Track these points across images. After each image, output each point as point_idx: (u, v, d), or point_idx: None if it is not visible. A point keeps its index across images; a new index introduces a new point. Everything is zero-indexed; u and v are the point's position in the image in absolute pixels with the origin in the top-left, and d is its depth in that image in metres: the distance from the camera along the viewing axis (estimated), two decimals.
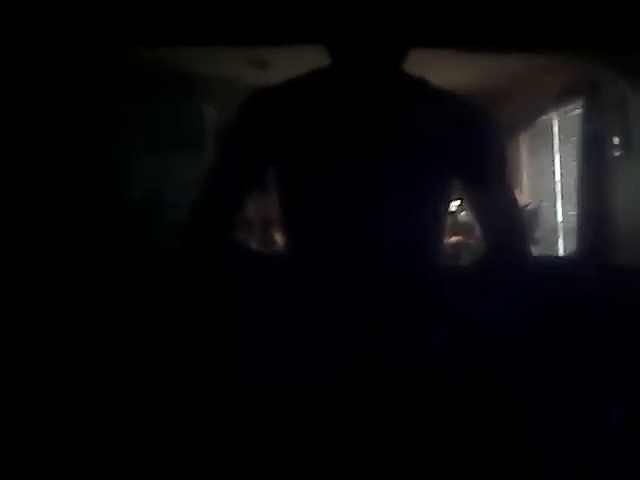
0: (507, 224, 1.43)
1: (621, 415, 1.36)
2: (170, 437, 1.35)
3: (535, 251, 5.18)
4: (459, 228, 4.61)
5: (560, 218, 5.24)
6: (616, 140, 4.17)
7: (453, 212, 4.47)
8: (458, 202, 4.49)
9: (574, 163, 4.63)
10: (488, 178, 1.41)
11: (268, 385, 1.29)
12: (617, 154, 4.18)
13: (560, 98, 4.83)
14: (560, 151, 5.19)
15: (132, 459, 1.36)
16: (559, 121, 5.17)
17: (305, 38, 1.31)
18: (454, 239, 4.51)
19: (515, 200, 1.46)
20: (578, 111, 4.61)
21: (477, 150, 1.37)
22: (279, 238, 3.86)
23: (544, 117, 5.27)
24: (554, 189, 5.31)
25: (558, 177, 5.25)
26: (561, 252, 5.23)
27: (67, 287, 1.68)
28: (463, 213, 4.45)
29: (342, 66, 1.33)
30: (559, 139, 5.21)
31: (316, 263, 1.36)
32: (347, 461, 1.26)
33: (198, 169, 1.49)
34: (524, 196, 5.77)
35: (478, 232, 1.51)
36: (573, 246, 4.67)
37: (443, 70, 1.88)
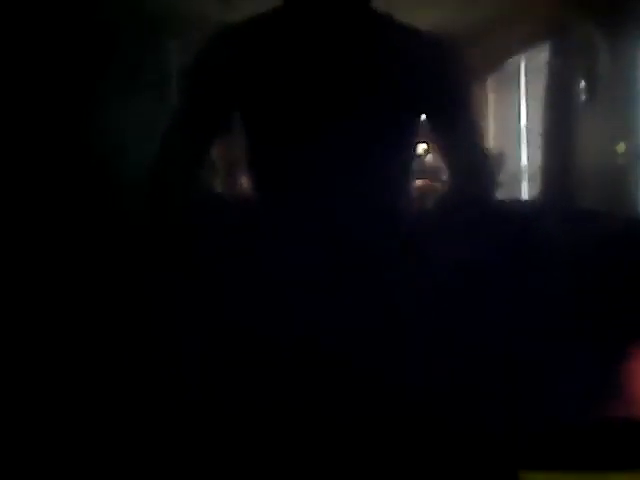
0: (473, 164, 1.42)
1: (590, 355, 1.40)
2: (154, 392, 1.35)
3: (500, 195, 5.21)
4: (426, 171, 4.62)
5: (525, 162, 5.28)
6: (582, 84, 4.18)
7: (420, 155, 4.47)
8: (424, 145, 4.49)
9: (541, 106, 4.63)
10: (453, 116, 1.40)
11: (248, 338, 1.29)
12: (583, 98, 4.19)
13: (527, 40, 4.80)
14: (526, 94, 5.19)
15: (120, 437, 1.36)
16: (526, 64, 5.16)
17: None
18: (420, 182, 4.52)
19: (481, 140, 1.46)
20: (545, 54, 4.60)
21: (444, 88, 1.36)
22: (245, 180, 3.83)
23: (511, 59, 5.25)
24: (519, 133, 5.32)
25: (524, 120, 5.27)
26: (525, 195, 5.28)
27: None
28: (429, 156, 4.46)
29: (309, 2, 1.30)
30: (526, 82, 5.20)
31: (284, 205, 1.35)
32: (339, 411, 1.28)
33: (161, 108, 1.46)
34: (490, 140, 5.78)
35: (444, 175, 1.51)
36: (537, 190, 4.71)
37: (410, 8, 1.85)
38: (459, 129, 1.39)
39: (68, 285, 1.52)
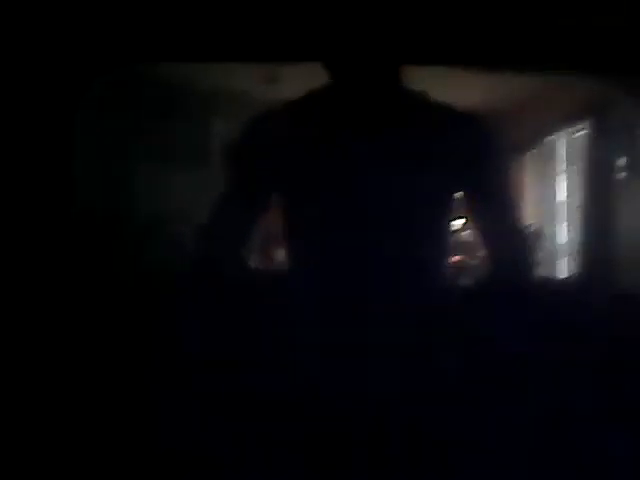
0: (511, 243, 1.41)
1: (624, 441, 1.35)
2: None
3: (537, 273, 5.16)
4: (462, 247, 4.59)
5: (563, 240, 5.23)
6: (622, 162, 4.16)
7: (456, 231, 4.47)
8: (462, 220, 4.48)
9: (580, 184, 4.62)
10: (491, 195, 1.40)
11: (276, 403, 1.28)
12: (623, 176, 4.17)
13: (566, 119, 4.83)
14: (565, 172, 5.19)
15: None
16: (565, 142, 5.17)
17: (310, 55, 1.31)
18: (457, 258, 4.50)
19: (519, 219, 1.46)
20: (584, 132, 4.61)
21: (481, 166, 1.36)
22: (279, 256, 3.85)
23: (550, 137, 5.27)
24: (558, 210, 5.29)
25: (563, 198, 5.24)
26: (563, 275, 5.21)
27: (69, 306, 1.67)
28: (467, 232, 4.44)
29: (343, 83, 1.33)
30: (565, 160, 5.20)
31: (318, 282, 1.35)
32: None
33: (205, 185, 1.49)
34: (527, 217, 5.75)
35: (481, 252, 1.51)
36: (575, 269, 4.65)
37: (447, 89, 1.88)
38: (495, 208, 1.39)
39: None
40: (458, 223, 4.26)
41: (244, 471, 1.27)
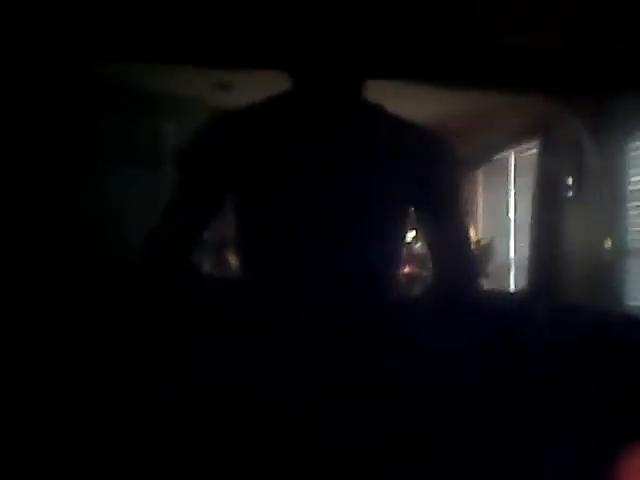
0: (457, 257, 1.44)
1: (565, 452, 1.38)
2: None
3: (487, 285, 5.25)
4: (414, 259, 4.64)
5: (512, 254, 5.33)
6: (569, 180, 4.26)
7: (409, 243, 4.51)
8: (414, 233, 4.54)
9: (528, 200, 4.71)
10: (441, 209, 1.42)
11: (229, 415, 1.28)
12: (570, 194, 4.26)
13: (517, 136, 4.93)
14: (515, 188, 5.29)
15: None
16: (515, 159, 5.27)
17: (267, 63, 1.32)
18: (408, 269, 4.54)
19: (467, 233, 1.48)
20: (534, 150, 4.71)
21: (432, 181, 1.38)
22: (233, 260, 3.83)
23: (501, 154, 5.37)
24: (508, 225, 5.39)
25: (512, 214, 5.35)
26: (512, 287, 5.30)
27: (20, 311, 1.64)
28: (418, 244, 4.49)
29: (302, 92, 1.33)
30: (514, 176, 5.31)
31: (271, 288, 1.35)
32: None
33: (157, 187, 1.48)
34: (478, 231, 5.85)
35: (429, 264, 1.52)
36: (524, 282, 4.74)
37: (402, 103, 1.90)
38: (445, 222, 1.41)
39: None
40: (410, 235, 4.31)
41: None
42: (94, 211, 4.10)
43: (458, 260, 1.43)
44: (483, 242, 5.54)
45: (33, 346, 1.52)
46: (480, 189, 5.89)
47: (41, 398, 1.47)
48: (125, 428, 1.37)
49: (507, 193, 5.37)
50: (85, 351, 1.45)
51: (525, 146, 4.96)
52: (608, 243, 3.86)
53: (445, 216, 1.41)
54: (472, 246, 1.51)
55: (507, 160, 5.35)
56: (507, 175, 5.37)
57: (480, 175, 5.84)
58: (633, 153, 3.82)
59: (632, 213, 3.81)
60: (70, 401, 1.45)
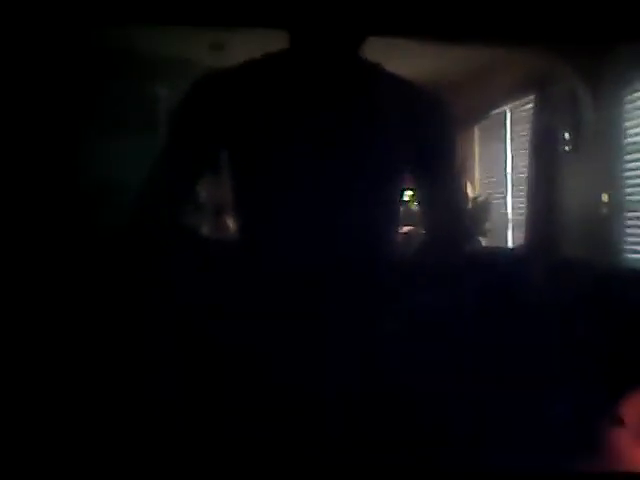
0: (450, 216, 1.44)
1: (566, 409, 1.39)
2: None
3: (485, 242, 5.27)
4: (412, 218, 4.64)
5: (510, 210, 5.33)
6: (566, 135, 4.24)
7: (406, 202, 4.50)
8: (411, 192, 4.52)
9: (525, 156, 4.70)
10: (437, 168, 1.41)
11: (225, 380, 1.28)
12: (567, 149, 4.25)
13: (513, 91, 4.89)
14: (512, 144, 5.27)
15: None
16: (512, 114, 5.24)
17: (262, 21, 1.30)
18: (406, 229, 4.54)
19: (462, 193, 1.49)
20: (530, 105, 4.68)
21: (429, 139, 1.38)
22: (231, 224, 3.83)
23: (497, 110, 5.33)
24: (505, 181, 5.38)
25: (509, 169, 5.33)
26: (510, 244, 5.32)
27: (17, 273, 1.64)
28: (416, 203, 4.48)
29: (299, 50, 1.32)
30: (511, 132, 5.28)
31: (268, 250, 1.35)
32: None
33: (151, 151, 1.47)
34: (475, 188, 5.84)
35: (428, 221, 1.52)
36: (522, 238, 4.75)
37: (398, 59, 1.89)
38: (439, 182, 1.41)
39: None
40: (407, 194, 4.30)
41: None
42: (90, 177, 4.09)
43: (452, 218, 1.43)
44: (480, 199, 5.53)
45: (34, 318, 1.53)
46: (476, 146, 5.86)
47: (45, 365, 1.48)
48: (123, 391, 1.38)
49: (504, 149, 5.35)
50: (82, 322, 1.45)
51: (521, 101, 4.92)
52: (606, 197, 3.86)
53: (440, 174, 1.40)
54: (466, 205, 1.51)
55: (503, 116, 5.32)
56: (504, 131, 5.34)
57: (476, 131, 5.81)
58: (630, 105, 3.79)
59: (629, 166, 3.81)
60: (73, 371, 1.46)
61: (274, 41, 1.35)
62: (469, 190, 5.61)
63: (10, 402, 1.37)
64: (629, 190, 3.82)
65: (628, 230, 3.85)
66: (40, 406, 1.36)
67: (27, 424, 1.36)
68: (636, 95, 3.74)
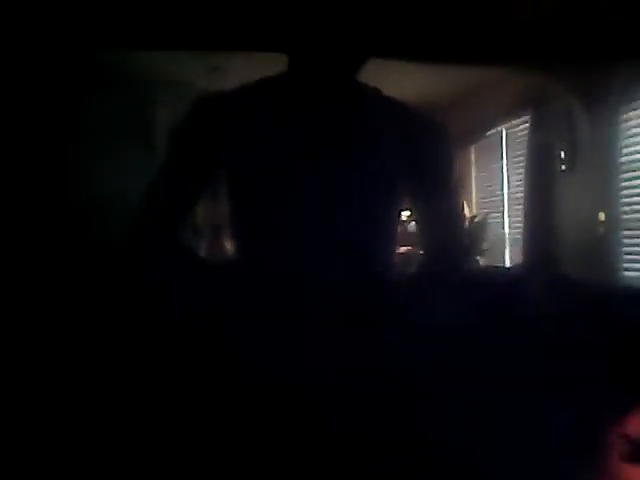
0: (448, 236, 1.45)
1: (569, 422, 1.39)
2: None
3: (482, 261, 5.26)
4: (409, 238, 4.64)
5: (507, 229, 5.34)
6: (562, 154, 4.26)
7: (403, 222, 4.51)
8: (408, 212, 4.53)
9: (522, 175, 4.71)
10: (434, 187, 1.43)
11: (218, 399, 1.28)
12: (563, 168, 4.26)
13: (509, 111, 4.92)
14: (508, 163, 5.29)
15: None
16: (508, 134, 5.27)
17: (262, 45, 1.31)
18: (404, 249, 4.55)
19: (459, 211, 1.49)
20: (526, 124, 4.70)
21: (426, 161, 1.39)
22: (229, 243, 3.84)
23: (493, 129, 5.36)
24: (502, 201, 5.40)
25: (506, 189, 5.35)
26: (508, 262, 5.32)
27: (12, 286, 1.64)
28: (413, 223, 4.49)
29: (298, 73, 1.33)
30: (507, 151, 5.30)
31: (266, 268, 1.36)
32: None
33: (149, 169, 1.48)
34: (472, 207, 5.85)
35: (424, 242, 1.53)
36: (519, 257, 4.75)
37: (395, 81, 1.90)
38: (436, 202, 1.42)
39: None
40: (404, 215, 4.30)
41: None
42: (88, 194, 4.09)
43: (449, 237, 1.44)
44: (477, 218, 5.54)
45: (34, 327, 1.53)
46: (473, 165, 5.88)
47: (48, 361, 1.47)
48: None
49: (500, 168, 5.37)
50: (82, 333, 1.45)
51: (517, 120, 4.95)
52: (602, 216, 3.87)
53: (438, 195, 1.42)
54: (464, 224, 1.52)
55: (499, 135, 5.34)
56: (500, 150, 5.36)
57: (473, 151, 5.83)
58: (625, 124, 3.82)
59: (625, 184, 3.82)
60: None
61: (272, 63, 1.36)
62: (466, 210, 5.63)
63: (9, 405, 1.36)
64: (626, 209, 3.83)
65: (625, 248, 3.86)
66: (45, 410, 1.36)
67: (30, 430, 1.36)
68: (631, 114, 3.77)
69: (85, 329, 1.48)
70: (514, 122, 5.03)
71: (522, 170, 4.74)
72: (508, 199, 5.31)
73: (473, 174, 5.87)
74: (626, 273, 3.84)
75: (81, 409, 1.38)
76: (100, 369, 1.41)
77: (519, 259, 4.77)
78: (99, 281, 1.56)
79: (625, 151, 3.84)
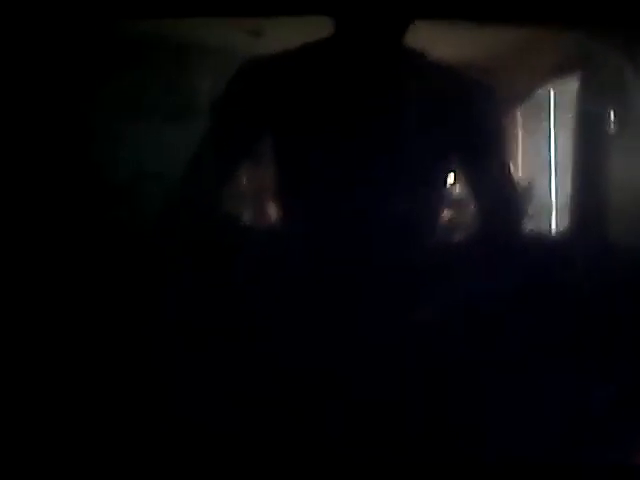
0: (502, 199, 1.43)
1: (605, 396, 1.37)
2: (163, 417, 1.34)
3: (529, 227, 5.19)
4: (454, 202, 4.60)
5: (555, 194, 5.24)
6: (612, 117, 4.15)
7: (449, 187, 4.46)
8: (452, 176, 4.48)
9: (571, 138, 4.61)
10: (485, 152, 1.41)
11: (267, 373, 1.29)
12: (613, 131, 4.16)
13: (557, 72, 4.80)
14: (557, 126, 5.17)
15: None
16: (556, 95, 5.14)
17: (305, 8, 1.30)
18: (448, 214, 4.51)
19: (511, 175, 1.47)
20: (575, 85, 4.58)
21: (474, 124, 1.38)
22: (273, 211, 3.85)
23: (541, 91, 5.24)
24: (550, 164, 5.29)
25: (554, 152, 5.24)
26: (555, 228, 5.24)
27: (50, 262, 1.66)
28: (458, 189, 4.44)
29: (343, 37, 1.32)
30: (556, 114, 5.18)
31: (311, 237, 1.36)
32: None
33: (192, 140, 1.48)
34: (519, 171, 5.76)
35: (472, 206, 1.51)
36: (568, 223, 4.67)
37: (440, 43, 1.87)
38: (488, 165, 1.40)
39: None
40: (449, 179, 4.25)
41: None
42: (127, 169, 4.13)
43: (502, 201, 1.42)
44: (525, 182, 5.46)
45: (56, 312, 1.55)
46: (520, 128, 5.77)
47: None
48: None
49: (548, 131, 5.26)
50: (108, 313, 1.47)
51: (565, 81, 4.83)
52: None
53: (488, 157, 1.40)
54: (516, 187, 1.51)
55: (547, 97, 5.22)
56: (547, 112, 5.24)
57: (519, 114, 5.72)
58: None
59: None
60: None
61: (314, 27, 1.34)
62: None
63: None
64: None
65: None
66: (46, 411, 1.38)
67: (30, 432, 1.38)
68: None
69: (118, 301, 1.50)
70: (562, 83, 4.90)
71: (571, 133, 4.64)
72: (555, 163, 5.21)
73: (520, 137, 5.76)
74: None
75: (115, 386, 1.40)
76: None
77: (567, 225, 4.69)
78: (142, 253, 1.57)
79: None
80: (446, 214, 4.99)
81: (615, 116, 4.37)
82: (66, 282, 1.59)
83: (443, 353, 1.33)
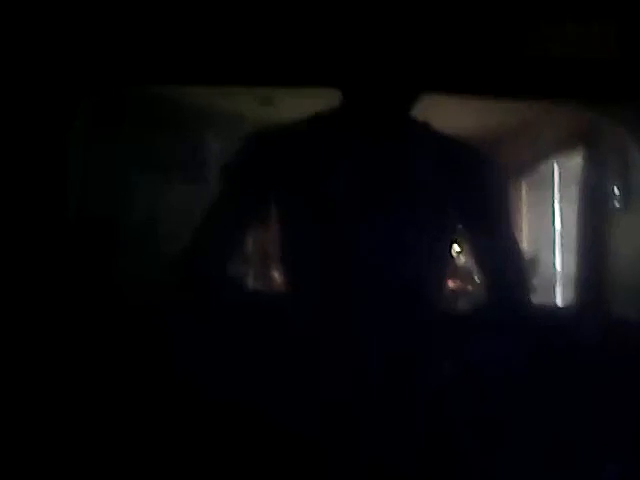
0: (508, 271, 1.43)
1: (616, 470, 1.35)
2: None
3: (533, 299, 5.12)
4: (458, 272, 4.59)
5: (559, 267, 5.23)
6: (616, 190, 4.18)
7: (453, 257, 4.46)
8: (456, 246, 4.48)
9: (574, 212, 4.63)
10: (490, 223, 1.41)
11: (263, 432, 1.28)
12: (617, 205, 4.17)
13: (561, 146, 4.85)
14: (560, 199, 5.20)
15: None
16: (560, 169, 5.19)
17: (315, 80, 1.33)
18: (453, 284, 4.50)
19: (517, 246, 1.47)
20: (579, 159, 4.63)
21: (479, 195, 1.39)
22: (277, 276, 3.84)
23: (545, 165, 5.29)
24: (554, 237, 5.30)
25: (558, 225, 5.26)
26: (559, 301, 5.21)
27: (57, 312, 1.66)
28: (462, 259, 4.44)
29: (350, 109, 1.34)
30: (559, 187, 5.22)
31: (313, 304, 1.36)
32: None
33: (198, 201, 1.50)
34: (523, 244, 5.76)
35: (477, 277, 1.52)
36: (571, 296, 4.65)
37: (446, 115, 1.90)
38: (493, 237, 1.40)
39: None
40: (454, 249, 4.25)
41: None
42: (136, 225, 4.15)
43: (507, 272, 1.42)
44: (529, 255, 5.45)
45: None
46: (524, 201, 5.80)
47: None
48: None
49: (552, 204, 5.29)
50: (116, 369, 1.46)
51: (569, 156, 4.88)
52: None
53: (493, 229, 1.40)
54: (522, 258, 1.50)
55: (551, 170, 5.27)
56: (551, 186, 5.28)
57: (524, 186, 5.76)
58: None
59: None
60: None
61: (322, 98, 1.37)
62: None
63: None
64: None
65: None
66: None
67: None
68: None
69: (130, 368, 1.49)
70: (566, 157, 4.96)
71: (575, 207, 4.66)
72: (560, 236, 5.22)
73: (525, 210, 5.79)
74: None
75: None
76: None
77: (571, 299, 4.67)
78: (149, 312, 1.58)
79: None
80: (451, 284, 4.92)
81: (619, 191, 4.39)
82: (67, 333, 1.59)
83: (445, 422, 1.32)
